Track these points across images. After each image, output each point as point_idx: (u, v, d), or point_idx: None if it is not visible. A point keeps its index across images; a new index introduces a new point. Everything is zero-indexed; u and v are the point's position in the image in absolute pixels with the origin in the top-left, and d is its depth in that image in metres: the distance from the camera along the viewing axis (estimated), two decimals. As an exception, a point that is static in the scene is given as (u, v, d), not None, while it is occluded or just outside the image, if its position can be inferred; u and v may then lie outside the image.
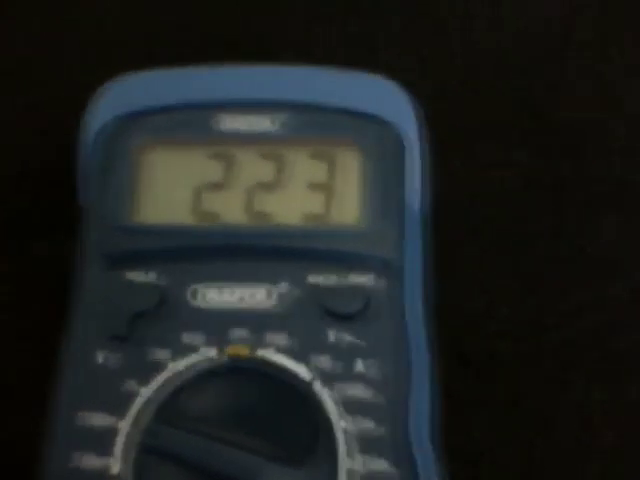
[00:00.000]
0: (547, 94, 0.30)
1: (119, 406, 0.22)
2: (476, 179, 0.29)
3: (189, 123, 0.25)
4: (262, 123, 0.25)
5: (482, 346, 0.27)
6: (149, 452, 0.22)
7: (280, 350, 0.23)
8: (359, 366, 0.22)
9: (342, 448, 0.21)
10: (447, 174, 0.27)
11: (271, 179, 0.25)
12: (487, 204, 0.29)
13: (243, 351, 0.23)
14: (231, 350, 0.23)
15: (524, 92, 0.30)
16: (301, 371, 0.22)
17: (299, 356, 0.22)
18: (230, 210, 0.25)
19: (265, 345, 0.23)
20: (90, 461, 0.22)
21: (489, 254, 0.28)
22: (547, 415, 0.26)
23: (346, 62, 0.27)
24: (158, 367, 0.22)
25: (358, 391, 0.22)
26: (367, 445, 0.22)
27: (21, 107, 0.30)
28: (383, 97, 0.26)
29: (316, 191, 0.25)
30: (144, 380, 0.22)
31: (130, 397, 0.22)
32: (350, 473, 0.21)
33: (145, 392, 0.22)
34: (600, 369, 0.27)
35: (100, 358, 0.23)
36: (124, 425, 0.22)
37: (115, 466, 0.22)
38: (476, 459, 0.25)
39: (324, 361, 0.22)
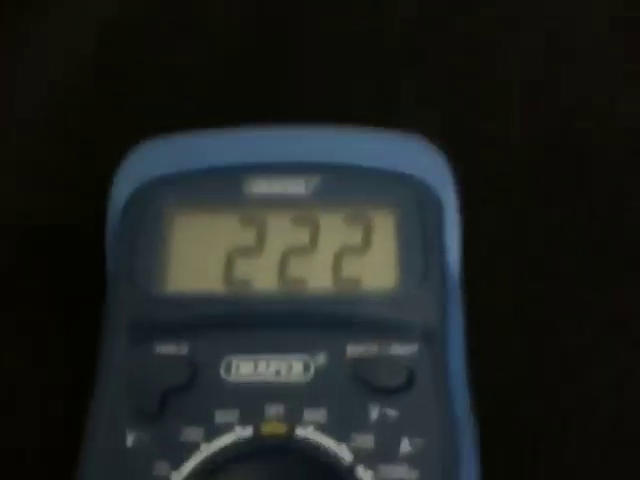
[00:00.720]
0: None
1: None
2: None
3: (220, 187, 0.25)
4: (295, 187, 0.25)
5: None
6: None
7: (319, 429, 0.21)
8: (404, 446, 0.21)
9: None
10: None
11: (305, 244, 0.24)
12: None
13: (280, 429, 0.21)
14: (267, 429, 0.21)
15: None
16: (342, 452, 0.21)
17: (340, 435, 0.21)
18: (263, 277, 0.24)
19: (303, 423, 0.21)
20: None
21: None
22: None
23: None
24: (190, 448, 0.21)
25: (403, 473, 0.21)
26: None
27: (50, 171, 0.30)
28: (418, 157, 0.25)
29: (352, 256, 0.24)
30: (175, 463, 0.21)
31: None
32: None
33: (177, 476, 0.21)
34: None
35: (129, 438, 0.22)
36: None
37: None
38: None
39: (366, 441, 0.21)
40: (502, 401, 0.25)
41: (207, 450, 0.21)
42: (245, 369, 0.22)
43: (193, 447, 0.21)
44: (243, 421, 0.21)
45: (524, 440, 0.25)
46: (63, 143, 0.30)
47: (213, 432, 0.21)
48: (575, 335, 0.26)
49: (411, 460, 0.21)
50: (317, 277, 0.24)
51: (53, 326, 0.27)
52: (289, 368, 0.22)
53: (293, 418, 0.21)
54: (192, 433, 0.21)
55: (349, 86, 0.31)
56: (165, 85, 0.31)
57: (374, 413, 0.22)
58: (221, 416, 0.22)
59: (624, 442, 0.25)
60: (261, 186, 0.25)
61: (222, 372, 0.22)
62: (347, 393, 0.22)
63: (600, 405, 0.25)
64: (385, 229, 0.24)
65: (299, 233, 0.24)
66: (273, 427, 0.21)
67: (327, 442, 0.21)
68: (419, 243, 0.24)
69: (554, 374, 0.26)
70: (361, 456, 0.21)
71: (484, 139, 0.29)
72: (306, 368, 0.22)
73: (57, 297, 0.27)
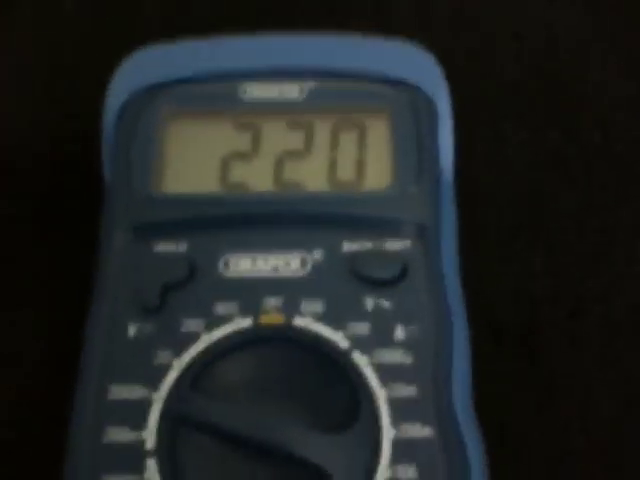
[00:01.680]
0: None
1: (152, 378, 0.21)
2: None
3: (215, 93, 0.25)
4: (290, 92, 0.25)
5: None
6: (184, 424, 0.21)
7: (316, 318, 0.22)
8: (398, 332, 0.22)
9: (385, 416, 0.21)
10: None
11: (300, 147, 0.24)
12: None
13: (278, 320, 0.22)
14: (266, 319, 0.22)
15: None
16: (339, 339, 0.22)
17: (336, 324, 0.22)
18: (259, 179, 0.24)
19: (301, 314, 0.22)
20: (123, 435, 0.21)
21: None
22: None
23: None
24: (191, 338, 0.22)
25: (398, 358, 0.21)
26: (410, 412, 0.21)
27: (40, 82, 0.30)
28: (412, 63, 0.25)
29: (347, 158, 0.24)
30: (177, 352, 0.22)
31: (163, 369, 0.21)
32: (394, 441, 0.21)
33: (178, 364, 0.21)
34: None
35: (131, 331, 0.22)
36: (158, 397, 0.21)
37: (149, 440, 0.21)
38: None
39: (362, 328, 0.22)
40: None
41: (208, 339, 0.22)
42: (243, 265, 0.23)
43: (194, 337, 0.22)
44: (242, 312, 0.22)
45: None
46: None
47: (213, 323, 0.22)
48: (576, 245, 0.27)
49: (405, 345, 0.22)
50: (313, 179, 0.24)
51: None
52: (287, 263, 0.23)
53: (291, 309, 0.22)
54: (193, 324, 0.22)
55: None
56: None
57: (369, 304, 0.22)
58: (221, 308, 0.22)
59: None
60: (256, 91, 0.25)
61: (221, 268, 0.23)
62: (343, 286, 0.22)
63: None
64: (379, 131, 0.24)
65: (294, 137, 0.25)
66: (272, 317, 0.22)
67: (324, 330, 0.22)
68: (413, 144, 0.24)
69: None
70: (357, 342, 0.22)
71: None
72: (303, 263, 0.23)
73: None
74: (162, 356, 0.22)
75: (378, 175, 0.24)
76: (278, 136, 0.25)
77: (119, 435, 0.21)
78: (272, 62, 0.25)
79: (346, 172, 0.24)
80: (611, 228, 0.28)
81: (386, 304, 0.22)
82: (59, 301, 0.26)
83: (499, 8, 0.31)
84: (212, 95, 0.25)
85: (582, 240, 0.28)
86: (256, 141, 0.25)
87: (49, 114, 0.29)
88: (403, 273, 0.23)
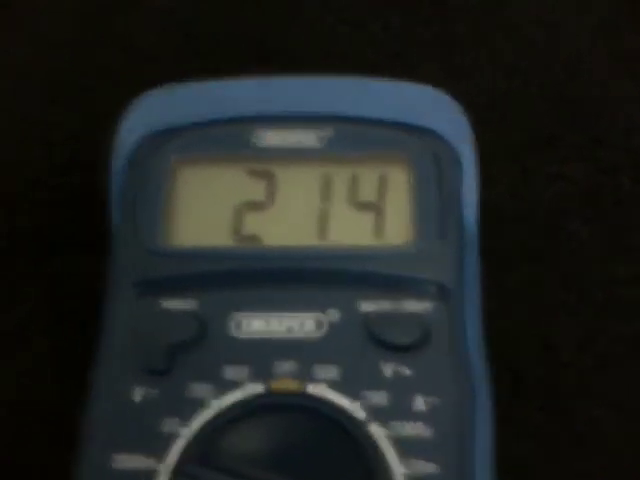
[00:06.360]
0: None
1: (157, 447, 0.20)
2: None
3: (228, 139, 0.24)
4: (306, 139, 0.24)
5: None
6: (191, 498, 0.20)
7: (331, 386, 0.21)
8: (418, 403, 0.21)
9: None
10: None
11: (317, 198, 0.23)
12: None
13: (291, 386, 0.21)
14: (278, 385, 0.21)
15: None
16: (355, 409, 0.21)
17: (352, 392, 0.21)
18: (273, 232, 0.23)
19: (315, 380, 0.21)
20: None
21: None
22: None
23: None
24: (199, 404, 0.21)
25: (418, 431, 0.20)
26: None
27: (50, 125, 0.29)
28: (435, 109, 0.24)
29: (366, 210, 0.23)
30: (184, 419, 0.21)
31: (169, 437, 0.20)
32: None
33: (185, 432, 0.20)
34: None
35: (137, 395, 0.21)
36: (163, 468, 0.20)
37: None
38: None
39: (379, 398, 0.21)
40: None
41: (217, 406, 0.21)
42: (256, 325, 0.22)
43: (202, 403, 0.21)
44: (253, 377, 0.21)
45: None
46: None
47: (223, 388, 0.21)
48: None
49: (425, 418, 0.20)
50: (330, 232, 0.23)
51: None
52: (301, 324, 0.22)
53: (305, 375, 0.21)
54: (201, 389, 0.21)
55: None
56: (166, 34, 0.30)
57: (388, 371, 0.21)
58: (231, 372, 0.21)
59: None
60: (270, 138, 0.24)
61: (232, 328, 0.22)
62: (360, 350, 0.21)
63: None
64: (400, 183, 0.23)
65: (311, 187, 0.23)
66: (284, 383, 0.21)
67: (339, 399, 0.21)
68: (435, 198, 0.23)
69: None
70: (374, 413, 0.20)
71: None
72: (318, 324, 0.22)
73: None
74: (169, 423, 0.21)
75: (398, 230, 0.23)
76: (294, 186, 0.24)
77: None
78: (288, 106, 0.24)
79: (366, 226, 0.23)
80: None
81: (405, 371, 0.21)
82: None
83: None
84: (225, 141, 0.24)
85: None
86: (271, 190, 0.23)
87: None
88: (424, 338, 0.21)
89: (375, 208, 0.23)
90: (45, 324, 0.26)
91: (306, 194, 0.23)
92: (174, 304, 0.22)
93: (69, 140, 0.28)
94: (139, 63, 0.30)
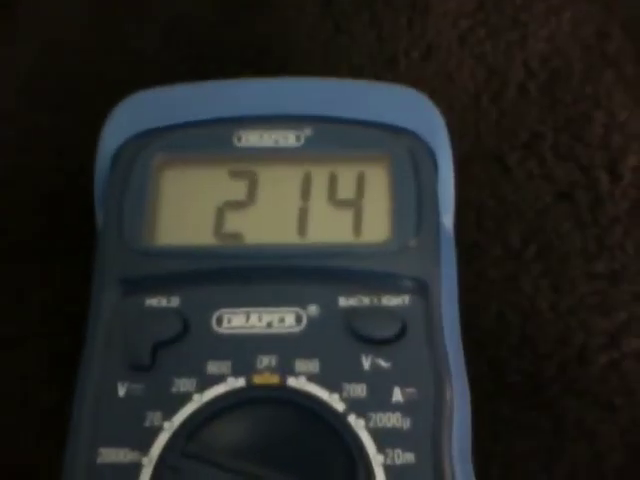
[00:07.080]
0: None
1: (142, 441, 0.21)
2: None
3: (210, 140, 0.24)
4: (286, 139, 0.24)
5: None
6: (175, 490, 0.20)
7: (311, 379, 0.21)
8: (396, 395, 0.21)
9: None
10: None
11: (297, 197, 0.24)
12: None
13: (272, 380, 0.21)
14: (260, 379, 0.21)
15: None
16: (334, 401, 0.21)
17: (331, 385, 0.21)
18: (254, 230, 0.24)
19: (295, 374, 0.21)
20: None
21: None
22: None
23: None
24: (183, 399, 0.21)
25: (396, 422, 0.21)
26: (408, 479, 0.20)
27: (37, 129, 0.29)
28: (412, 109, 0.25)
29: (345, 208, 0.24)
30: (168, 413, 0.21)
31: (154, 431, 0.21)
32: None
33: (169, 426, 0.21)
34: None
35: (121, 390, 0.21)
36: (147, 461, 0.21)
37: None
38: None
39: (358, 390, 0.21)
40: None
41: (199, 400, 0.21)
42: (237, 321, 0.22)
43: (186, 398, 0.21)
44: (235, 372, 0.21)
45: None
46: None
47: (205, 383, 0.21)
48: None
49: (403, 409, 0.21)
50: (310, 230, 0.23)
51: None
52: (281, 320, 0.22)
53: (285, 368, 0.21)
54: (184, 384, 0.21)
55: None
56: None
57: (366, 363, 0.21)
58: (213, 367, 0.21)
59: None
60: (252, 138, 0.24)
61: (214, 324, 0.22)
62: (339, 344, 0.22)
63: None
64: (378, 182, 0.24)
65: (291, 186, 0.24)
66: (265, 377, 0.21)
67: (319, 392, 0.21)
68: (413, 196, 0.23)
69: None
70: (353, 405, 0.21)
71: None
72: (298, 320, 0.22)
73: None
74: (153, 418, 0.21)
75: (378, 227, 0.23)
76: (275, 185, 0.24)
77: None
78: (268, 108, 0.25)
79: (345, 224, 0.23)
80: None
81: (383, 364, 0.21)
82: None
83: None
84: (207, 142, 0.24)
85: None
86: (252, 190, 0.24)
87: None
88: (401, 332, 0.22)
89: (354, 206, 0.24)
90: (45, 326, 0.26)
91: (286, 193, 0.24)
92: (158, 302, 0.22)
93: (72, 146, 0.29)
94: (142, 70, 0.30)
